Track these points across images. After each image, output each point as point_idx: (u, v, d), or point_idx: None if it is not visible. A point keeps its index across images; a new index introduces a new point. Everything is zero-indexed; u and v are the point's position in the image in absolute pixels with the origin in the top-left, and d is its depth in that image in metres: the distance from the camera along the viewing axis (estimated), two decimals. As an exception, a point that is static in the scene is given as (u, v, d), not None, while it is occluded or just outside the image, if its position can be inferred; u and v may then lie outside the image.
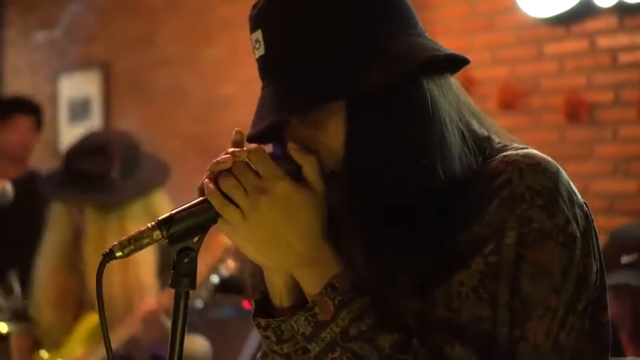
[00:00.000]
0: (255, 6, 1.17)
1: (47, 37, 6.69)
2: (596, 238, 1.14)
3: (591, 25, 3.93)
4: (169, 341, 1.09)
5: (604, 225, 2.95)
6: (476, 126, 1.18)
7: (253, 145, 1.12)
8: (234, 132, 1.13)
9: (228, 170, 1.09)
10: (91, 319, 2.72)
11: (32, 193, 4.28)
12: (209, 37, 5.59)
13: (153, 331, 2.52)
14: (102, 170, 2.69)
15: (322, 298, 1.09)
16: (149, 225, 1.09)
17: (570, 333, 1.08)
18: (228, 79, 5.45)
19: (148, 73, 5.98)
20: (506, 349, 1.04)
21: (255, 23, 1.16)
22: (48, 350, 2.85)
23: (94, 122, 6.30)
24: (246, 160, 1.10)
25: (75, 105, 6.35)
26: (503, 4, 4.22)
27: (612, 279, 2.06)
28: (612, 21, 3.87)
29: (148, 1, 6.03)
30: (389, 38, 1.13)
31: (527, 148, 1.14)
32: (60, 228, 2.80)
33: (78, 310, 2.76)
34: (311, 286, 1.11)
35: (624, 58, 3.85)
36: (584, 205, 1.13)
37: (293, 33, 1.13)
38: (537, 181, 1.07)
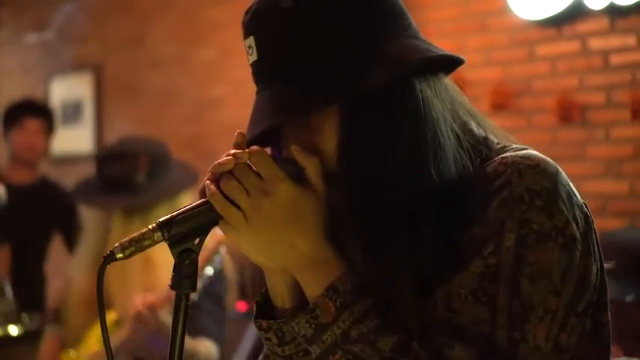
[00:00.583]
0: (247, 12, 1.17)
1: (39, 39, 6.67)
2: (596, 238, 1.14)
3: (583, 26, 3.94)
4: (169, 342, 1.09)
5: (596, 226, 2.95)
6: (473, 126, 1.18)
7: (255, 147, 1.11)
8: (235, 134, 1.13)
9: (230, 172, 1.09)
10: (109, 317, 2.74)
11: (45, 199, 4.29)
12: (201, 38, 5.59)
13: (146, 327, 2.53)
14: (128, 174, 2.78)
15: (324, 300, 1.09)
16: (150, 227, 1.09)
17: (571, 334, 1.08)
18: (220, 80, 5.45)
19: (140, 75, 5.97)
20: (506, 351, 1.04)
21: (247, 29, 1.16)
22: (70, 349, 2.90)
23: (87, 124, 6.28)
24: (248, 161, 1.10)
25: (67, 107, 6.33)
26: (495, 5, 4.22)
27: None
28: (604, 23, 3.88)
29: (140, 2, 6.02)
30: (387, 39, 1.13)
31: (526, 149, 1.14)
32: (94, 232, 2.88)
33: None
34: (313, 288, 1.11)
35: (616, 59, 3.86)
36: (584, 206, 1.13)
37: (287, 36, 1.12)
38: (536, 182, 1.07)
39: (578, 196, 1.13)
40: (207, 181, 1.11)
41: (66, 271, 3.19)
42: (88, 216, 2.99)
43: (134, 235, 1.09)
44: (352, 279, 1.10)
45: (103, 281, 1.09)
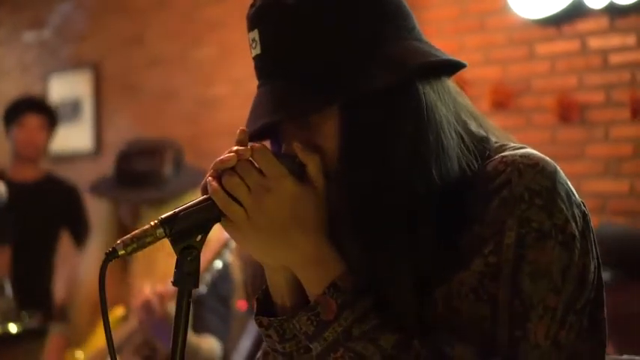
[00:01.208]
0: (252, 5, 1.17)
1: (37, 37, 6.67)
2: (594, 236, 1.14)
3: (582, 26, 3.94)
4: (171, 337, 1.09)
5: (595, 225, 2.96)
6: (474, 127, 1.19)
7: (257, 144, 1.11)
8: (238, 131, 1.13)
9: (232, 169, 1.09)
10: (115, 313, 2.74)
11: (51, 195, 4.30)
12: (199, 37, 5.59)
13: (152, 316, 2.53)
14: (156, 168, 2.85)
15: (325, 298, 1.09)
16: (152, 223, 1.09)
17: (570, 332, 1.08)
18: (219, 79, 5.45)
19: (139, 73, 5.97)
20: (506, 349, 1.04)
21: (252, 22, 1.16)
22: (75, 348, 2.90)
23: (85, 122, 6.28)
24: (250, 158, 1.10)
25: (66, 105, 6.32)
26: (494, 5, 4.23)
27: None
28: (603, 22, 3.88)
29: (138, 1, 6.02)
30: (388, 41, 1.13)
31: (525, 148, 1.15)
32: (106, 229, 2.90)
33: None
34: (314, 286, 1.11)
35: (615, 58, 3.86)
36: (582, 205, 1.13)
37: (290, 33, 1.12)
38: (536, 181, 1.08)
39: (577, 195, 1.13)
40: (210, 178, 1.11)
41: (74, 268, 3.19)
42: (98, 215, 3.01)
43: (136, 231, 1.09)
44: (353, 277, 1.10)
45: (105, 278, 1.09)
